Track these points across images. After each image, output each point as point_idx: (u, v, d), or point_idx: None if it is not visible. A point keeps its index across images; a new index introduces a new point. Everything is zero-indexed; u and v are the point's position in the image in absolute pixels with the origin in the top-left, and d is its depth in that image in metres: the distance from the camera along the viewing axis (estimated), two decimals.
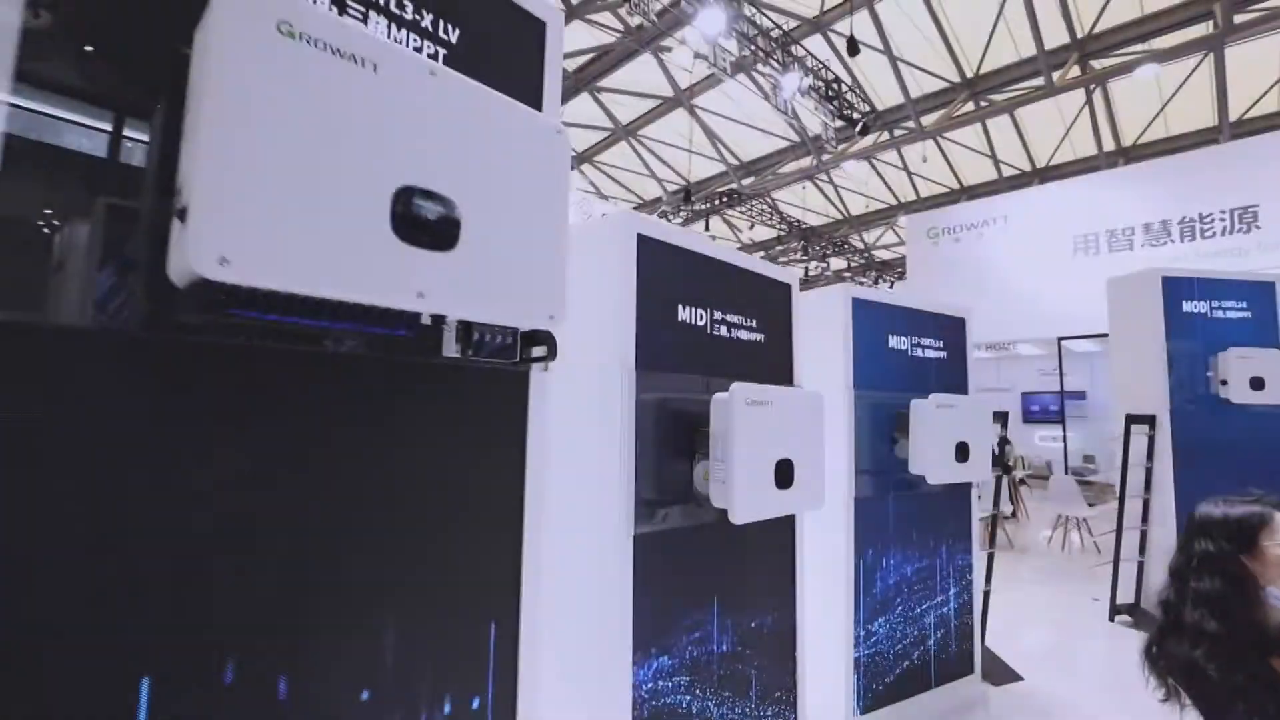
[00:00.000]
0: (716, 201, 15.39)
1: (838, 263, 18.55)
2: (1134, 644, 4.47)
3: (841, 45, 10.23)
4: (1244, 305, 4.52)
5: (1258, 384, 4.32)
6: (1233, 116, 11.71)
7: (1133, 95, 12.57)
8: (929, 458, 3.05)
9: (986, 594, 3.74)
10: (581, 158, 15.02)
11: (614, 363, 2.08)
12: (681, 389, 2.31)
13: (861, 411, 3.16)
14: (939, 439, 3.08)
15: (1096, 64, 11.38)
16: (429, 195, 0.99)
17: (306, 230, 0.86)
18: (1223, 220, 7.84)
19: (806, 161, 14.62)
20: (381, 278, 0.94)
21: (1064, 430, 9.23)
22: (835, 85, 8.85)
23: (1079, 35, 11.21)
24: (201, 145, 0.79)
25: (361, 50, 0.92)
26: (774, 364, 2.76)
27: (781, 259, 18.44)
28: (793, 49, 8.33)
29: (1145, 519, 4.48)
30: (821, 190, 16.73)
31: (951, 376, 3.57)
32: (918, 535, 3.35)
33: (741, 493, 2.05)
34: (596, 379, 2.14)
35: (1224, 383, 4.34)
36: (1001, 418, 4.06)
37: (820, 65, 8.88)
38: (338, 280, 0.90)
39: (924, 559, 3.37)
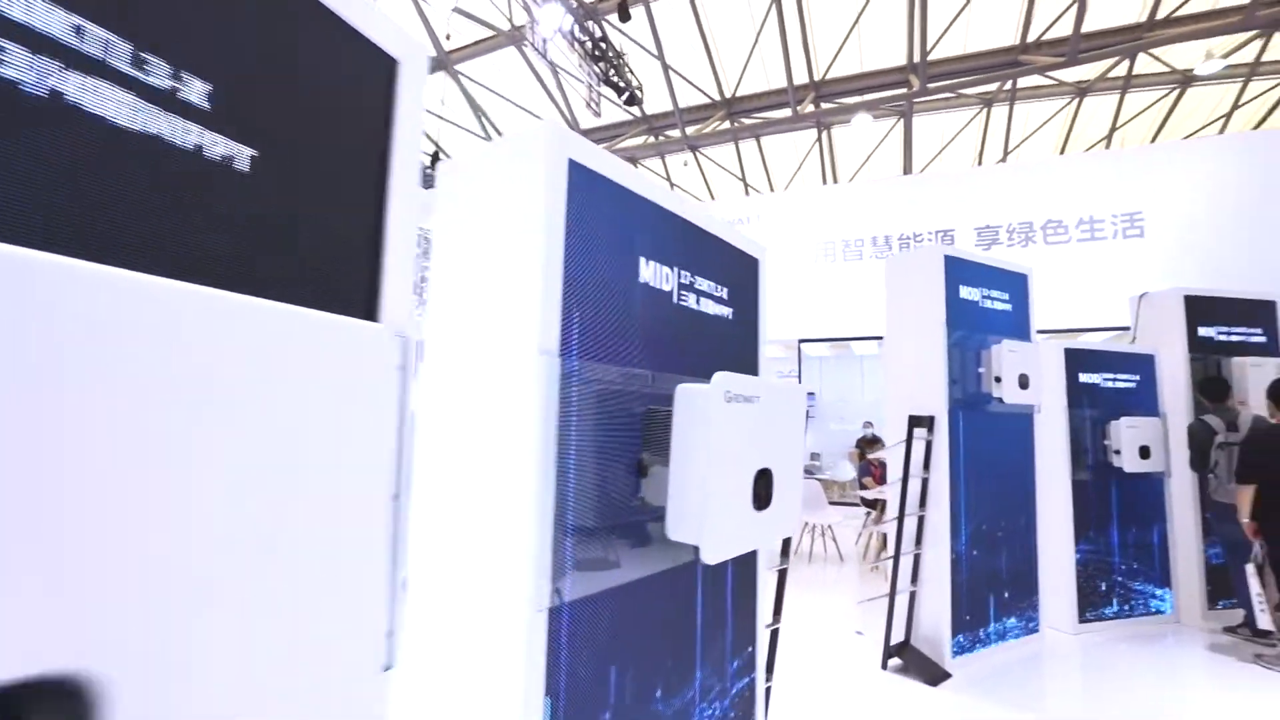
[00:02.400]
0: None
1: None
2: (920, 709, 2.40)
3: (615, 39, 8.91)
4: (1006, 296, 3.77)
5: (1024, 382, 3.53)
6: (914, 170, 13.18)
7: (847, 141, 13.60)
8: (710, 507, 1.33)
9: (768, 691, 2.20)
10: None
11: None
12: None
13: (576, 409, 1.34)
14: (728, 466, 1.38)
15: (826, 105, 11.95)
16: None
17: None
18: (930, 240, 7.92)
19: None
20: None
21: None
22: (602, 45, 7.28)
23: (815, 78, 11.56)
24: None
25: None
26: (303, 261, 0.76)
27: None
28: None
29: (919, 540, 3.46)
30: None
31: (740, 351, 1.94)
32: (679, 662, 1.63)
33: None
34: None
35: (998, 379, 3.48)
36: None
37: (584, 13, 7.23)
38: None
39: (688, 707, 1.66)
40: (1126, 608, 4.04)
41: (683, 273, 1.72)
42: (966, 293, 3.56)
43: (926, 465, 3.39)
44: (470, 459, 1.36)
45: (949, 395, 3.41)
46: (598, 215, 1.44)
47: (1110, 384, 4.12)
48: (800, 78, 11.35)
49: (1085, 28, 8.81)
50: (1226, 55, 10.21)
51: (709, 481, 1.32)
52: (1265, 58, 10.52)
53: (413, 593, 1.39)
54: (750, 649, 1.95)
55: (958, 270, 3.53)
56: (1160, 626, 4.05)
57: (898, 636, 3.46)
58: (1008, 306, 3.76)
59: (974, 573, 3.44)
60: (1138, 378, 4.17)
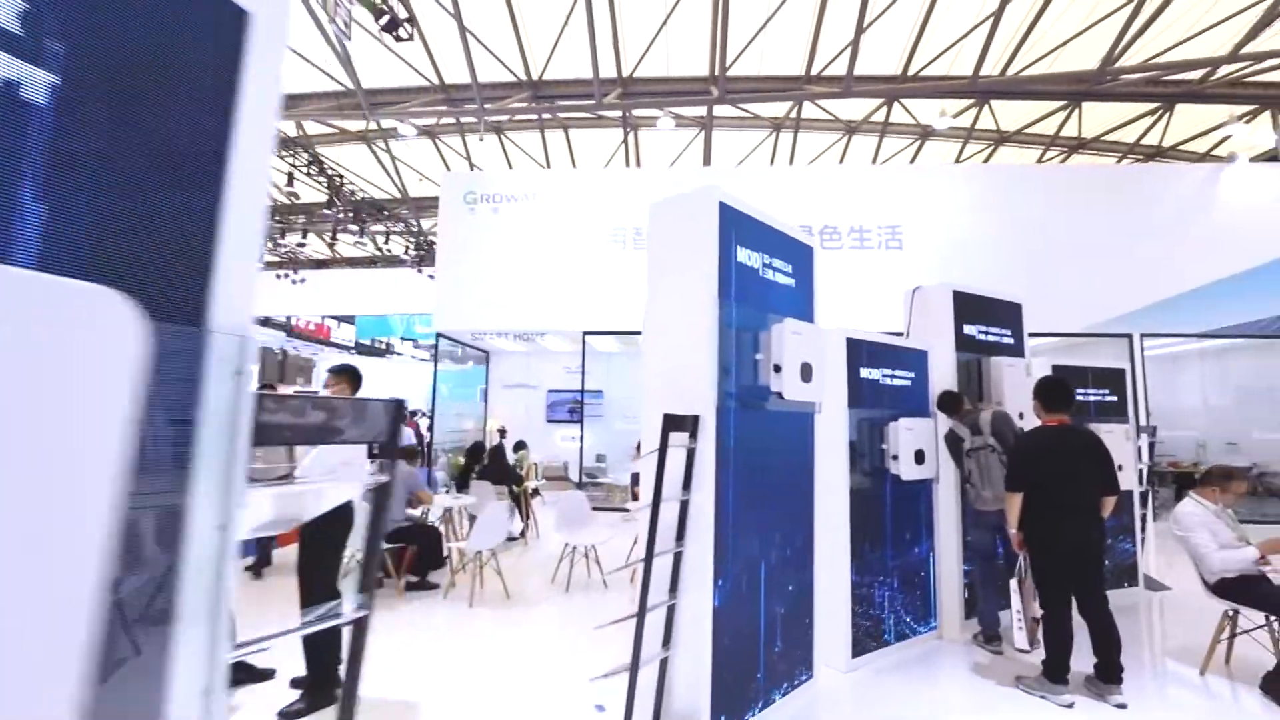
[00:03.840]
0: None
1: (397, 245, 14.76)
2: None
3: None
4: (790, 269, 2.97)
5: (807, 374, 2.73)
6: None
7: (653, 147, 13.21)
8: None
9: None
10: None
11: None
12: None
13: None
14: None
15: (630, 102, 11.35)
16: None
17: None
18: None
19: (362, 125, 11.01)
20: None
21: (582, 431, 7.80)
22: None
23: (623, 74, 10.88)
24: None
25: None
26: None
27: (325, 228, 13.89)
28: None
29: (675, 586, 2.43)
30: (380, 161, 13.07)
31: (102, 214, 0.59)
32: None
33: None
34: None
35: (777, 369, 2.61)
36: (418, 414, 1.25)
37: None
38: None
39: None
40: (897, 631, 3.50)
41: None
42: (745, 256, 2.66)
43: (687, 484, 2.38)
44: None
45: (719, 389, 2.45)
46: None
47: (889, 381, 3.59)
48: (608, 71, 10.59)
49: (856, 70, 9.34)
50: (956, 115, 11.72)
51: None
52: (978, 126, 12.32)
53: None
54: None
55: (736, 226, 2.61)
56: (926, 645, 3.59)
57: (644, 717, 2.38)
58: (791, 281, 2.96)
59: (741, 622, 2.51)
60: (913, 375, 3.72)
